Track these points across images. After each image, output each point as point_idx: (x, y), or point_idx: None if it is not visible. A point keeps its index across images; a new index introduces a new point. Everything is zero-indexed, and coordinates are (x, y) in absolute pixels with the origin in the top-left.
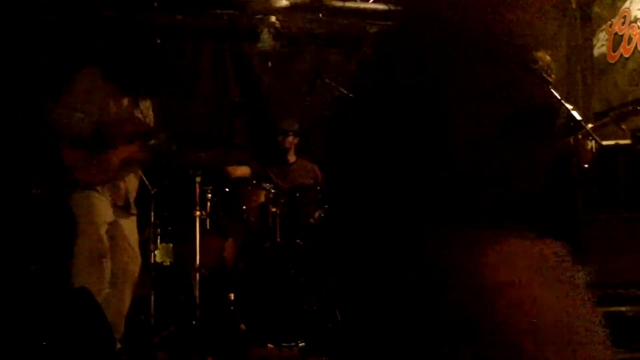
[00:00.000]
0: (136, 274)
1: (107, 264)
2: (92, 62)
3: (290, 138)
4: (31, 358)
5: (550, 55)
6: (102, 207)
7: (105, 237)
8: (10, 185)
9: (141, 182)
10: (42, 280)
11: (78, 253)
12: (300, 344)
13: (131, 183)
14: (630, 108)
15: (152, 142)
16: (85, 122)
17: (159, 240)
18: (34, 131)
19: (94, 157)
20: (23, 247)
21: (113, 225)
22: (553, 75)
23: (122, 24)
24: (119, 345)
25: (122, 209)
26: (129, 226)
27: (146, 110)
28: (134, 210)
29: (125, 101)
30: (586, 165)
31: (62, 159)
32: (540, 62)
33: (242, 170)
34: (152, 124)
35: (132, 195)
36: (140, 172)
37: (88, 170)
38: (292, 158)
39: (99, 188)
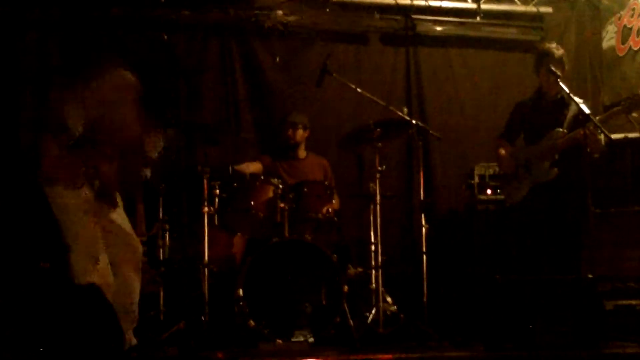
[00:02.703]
0: (139, 260)
1: (105, 258)
2: (124, 64)
3: (300, 132)
4: (41, 355)
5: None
6: (74, 202)
7: (98, 231)
8: (19, 182)
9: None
10: (52, 278)
11: (73, 249)
12: (309, 339)
13: (112, 170)
14: None
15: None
16: (76, 124)
17: (167, 236)
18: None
19: (68, 156)
20: (33, 244)
21: (105, 220)
22: (566, 67)
23: (129, 20)
24: (134, 341)
25: (105, 202)
26: (120, 216)
27: (156, 141)
28: (118, 203)
29: (145, 120)
30: (596, 155)
31: (39, 148)
32: (551, 54)
33: (254, 167)
34: (153, 155)
35: (114, 188)
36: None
37: (57, 167)
38: (302, 153)
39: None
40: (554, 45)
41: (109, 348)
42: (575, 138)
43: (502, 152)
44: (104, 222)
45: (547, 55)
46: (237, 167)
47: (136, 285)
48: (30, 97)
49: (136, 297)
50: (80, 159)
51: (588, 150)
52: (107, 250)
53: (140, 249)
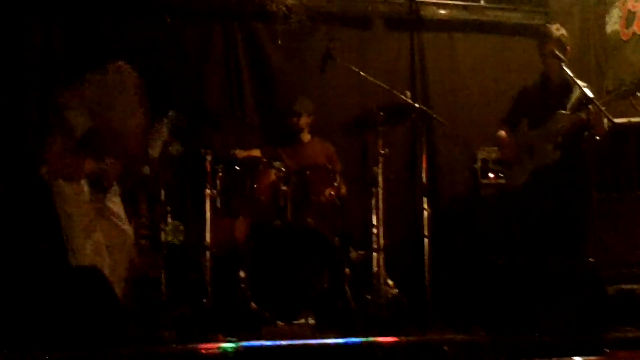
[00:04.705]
0: (130, 248)
1: (101, 240)
2: (126, 59)
3: (304, 118)
4: (43, 336)
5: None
6: (74, 193)
7: (92, 214)
8: (21, 166)
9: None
10: (53, 259)
11: (71, 232)
12: (311, 322)
13: (113, 168)
14: None
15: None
16: (85, 120)
17: (169, 219)
18: (45, 113)
19: (70, 155)
20: (34, 226)
21: (101, 205)
22: (568, 48)
23: (132, 5)
24: None
25: (102, 191)
26: (115, 203)
27: (157, 139)
28: (116, 193)
29: (145, 116)
30: (598, 138)
31: (45, 146)
32: (550, 35)
33: (254, 154)
34: (155, 154)
35: (113, 179)
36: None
37: (60, 164)
38: (306, 137)
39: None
40: (554, 26)
41: (109, 328)
42: (579, 120)
43: (504, 137)
44: (101, 208)
45: (548, 36)
46: (237, 154)
47: (122, 271)
48: (36, 97)
49: (121, 282)
50: (82, 157)
51: (592, 132)
52: (102, 234)
53: (132, 236)
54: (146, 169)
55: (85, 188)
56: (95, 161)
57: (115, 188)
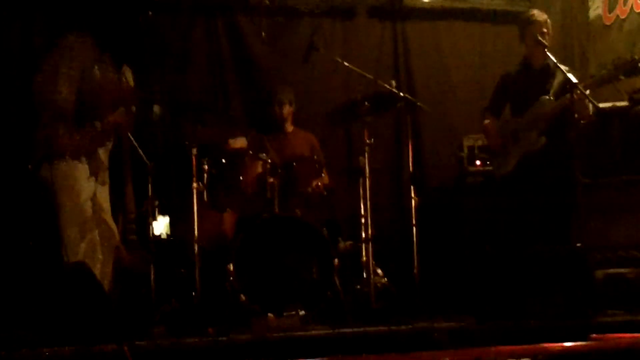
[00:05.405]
0: (116, 243)
1: (97, 239)
2: (80, 28)
3: (287, 108)
4: (31, 333)
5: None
6: (86, 179)
7: (90, 212)
8: (7, 161)
9: (136, 155)
10: (40, 256)
11: (67, 229)
12: (300, 313)
13: (120, 116)
14: (630, 60)
15: (134, 108)
16: (68, 87)
17: (157, 213)
18: (30, 104)
19: (79, 129)
20: (21, 223)
21: (93, 199)
22: (550, 32)
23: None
24: None
25: (96, 179)
26: (104, 197)
27: (129, 78)
28: (107, 179)
29: (110, 68)
30: (584, 122)
31: (45, 133)
32: (533, 20)
33: (240, 142)
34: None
35: (105, 165)
36: (135, 144)
37: (72, 141)
38: (289, 128)
39: (82, 159)
40: (536, 11)
41: (98, 324)
42: (563, 105)
43: (489, 125)
44: (93, 201)
45: (530, 22)
46: (231, 144)
47: (109, 266)
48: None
49: (109, 277)
50: (82, 134)
51: (576, 116)
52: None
53: (117, 232)
54: (156, 108)
55: (86, 184)
56: (100, 123)
57: (106, 180)
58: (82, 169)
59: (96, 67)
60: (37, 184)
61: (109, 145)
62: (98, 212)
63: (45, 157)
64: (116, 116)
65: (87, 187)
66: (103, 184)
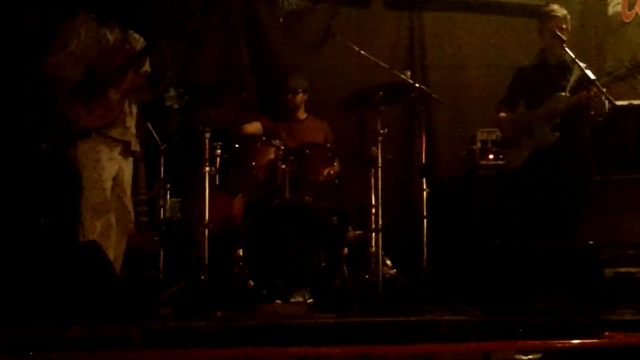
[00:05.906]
0: (130, 224)
1: (113, 220)
2: (85, 8)
3: (300, 95)
4: (41, 311)
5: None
6: (108, 160)
7: (109, 193)
8: (21, 140)
9: (150, 137)
10: (52, 235)
11: (85, 209)
12: (308, 300)
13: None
14: None
15: (145, 68)
16: (77, 64)
17: (168, 196)
18: (42, 85)
19: (94, 100)
20: (34, 202)
21: (115, 179)
22: (569, 28)
23: None
24: None
25: (126, 149)
26: (128, 175)
27: (134, 42)
28: (136, 147)
29: (115, 35)
30: (600, 119)
31: (64, 113)
32: (553, 15)
33: (254, 127)
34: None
35: (134, 131)
36: (149, 125)
37: (93, 116)
38: (302, 115)
39: (109, 132)
40: (556, 6)
41: (107, 304)
42: (579, 100)
43: (504, 117)
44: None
45: (549, 16)
46: (244, 129)
47: (120, 249)
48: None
49: (119, 259)
50: (102, 108)
51: (592, 113)
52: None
53: (132, 213)
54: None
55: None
56: (114, 90)
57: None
58: (105, 149)
59: (102, 38)
60: (58, 163)
61: (134, 109)
62: (117, 194)
63: (72, 138)
64: (127, 80)
65: (109, 167)
66: (128, 156)
